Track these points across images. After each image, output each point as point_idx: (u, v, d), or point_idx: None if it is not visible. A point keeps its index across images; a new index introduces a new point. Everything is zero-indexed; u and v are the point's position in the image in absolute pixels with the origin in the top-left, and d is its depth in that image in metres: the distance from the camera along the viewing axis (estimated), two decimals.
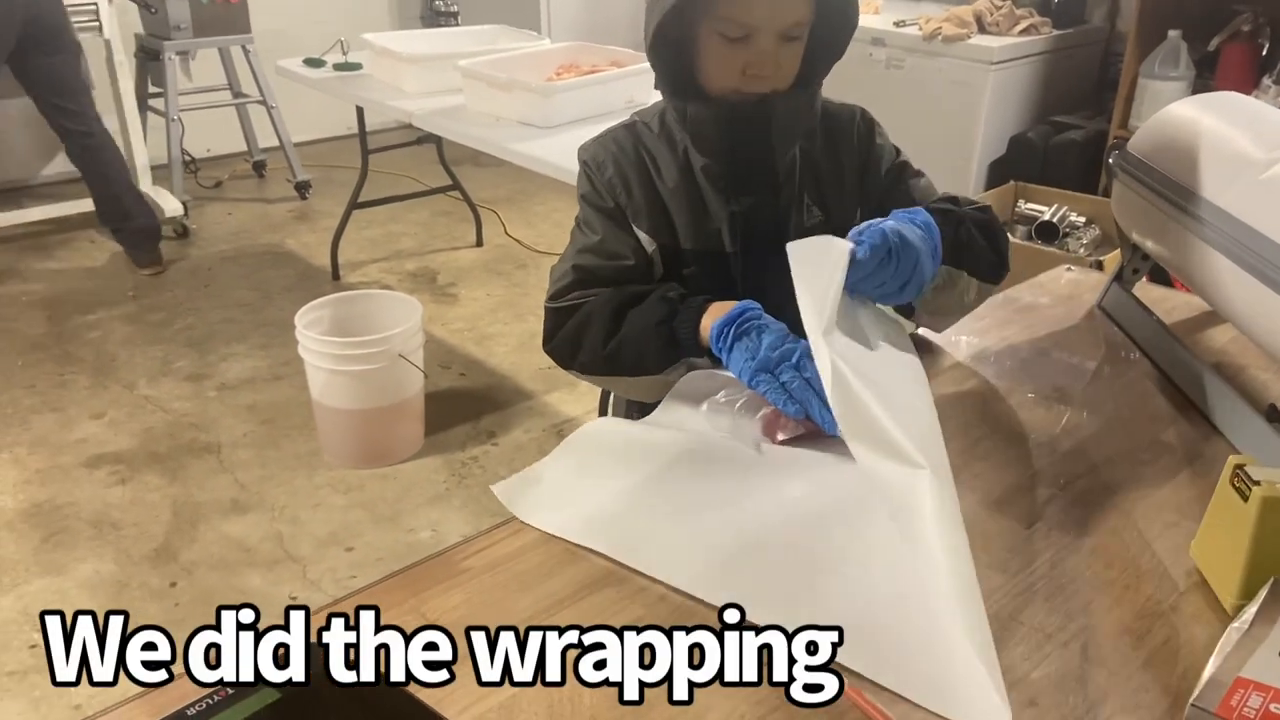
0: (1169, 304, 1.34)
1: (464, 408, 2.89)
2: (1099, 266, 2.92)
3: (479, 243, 4.03)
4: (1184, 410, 1.14)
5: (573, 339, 1.19)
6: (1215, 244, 1.02)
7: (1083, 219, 3.29)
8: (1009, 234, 3.32)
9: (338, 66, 3.31)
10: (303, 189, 4.47)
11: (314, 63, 3.36)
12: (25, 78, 3.44)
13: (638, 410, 1.28)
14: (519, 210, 4.30)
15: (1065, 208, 3.31)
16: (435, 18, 3.89)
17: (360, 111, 3.44)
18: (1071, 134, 3.67)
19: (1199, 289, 1.16)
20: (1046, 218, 3.26)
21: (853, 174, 1.25)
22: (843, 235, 1.21)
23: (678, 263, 1.24)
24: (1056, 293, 1.41)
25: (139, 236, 3.73)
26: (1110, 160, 1.25)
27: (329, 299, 2.67)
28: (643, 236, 1.23)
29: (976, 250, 1.15)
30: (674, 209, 1.23)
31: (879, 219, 1.06)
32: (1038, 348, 1.27)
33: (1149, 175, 1.16)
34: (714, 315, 1.09)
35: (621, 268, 1.22)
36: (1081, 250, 3.18)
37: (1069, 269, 1.46)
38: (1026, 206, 3.38)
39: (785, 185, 1.22)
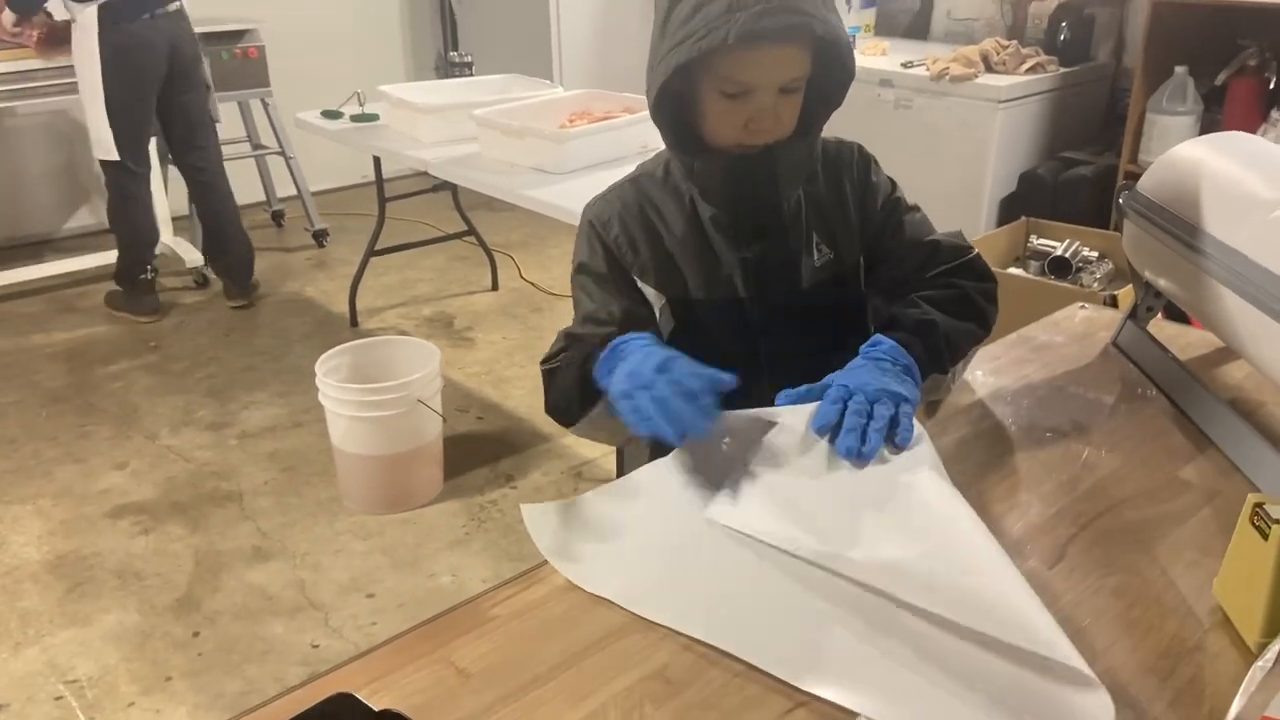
0: (1184, 340, 1.35)
1: (482, 451, 2.91)
2: (1113, 301, 2.92)
3: (494, 287, 4.06)
4: (1202, 447, 1.14)
5: (560, 400, 1.19)
6: (1226, 282, 1.03)
7: (1095, 253, 3.30)
8: (1023, 269, 3.35)
9: (355, 118, 3.37)
10: (321, 237, 4.53)
11: (332, 114, 3.42)
12: (161, 115, 3.62)
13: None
14: (534, 254, 4.35)
15: (1077, 243, 3.32)
16: (450, 68, 3.95)
17: (377, 161, 3.50)
18: (1081, 169, 3.69)
19: (1212, 326, 1.17)
20: (1059, 253, 3.26)
21: (855, 209, 1.27)
22: (852, 271, 1.26)
23: (690, 314, 1.25)
24: (1071, 331, 1.42)
25: (234, 271, 3.89)
26: (1120, 200, 1.27)
27: (348, 346, 2.70)
28: (650, 292, 1.24)
29: (959, 343, 1.16)
30: (683, 260, 1.24)
31: (840, 394, 1.02)
32: (1054, 386, 1.28)
33: (1159, 215, 1.18)
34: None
35: (608, 330, 1.19)
36: (1095, 285, 3.19)
37: (1083, 307, 1.47)
38: (1039, 242, 3.39)
39: (792, 228, 1.24)
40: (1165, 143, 3.59)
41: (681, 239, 1.24)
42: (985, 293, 1.22)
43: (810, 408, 1.02)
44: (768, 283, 1.24)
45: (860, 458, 0.97)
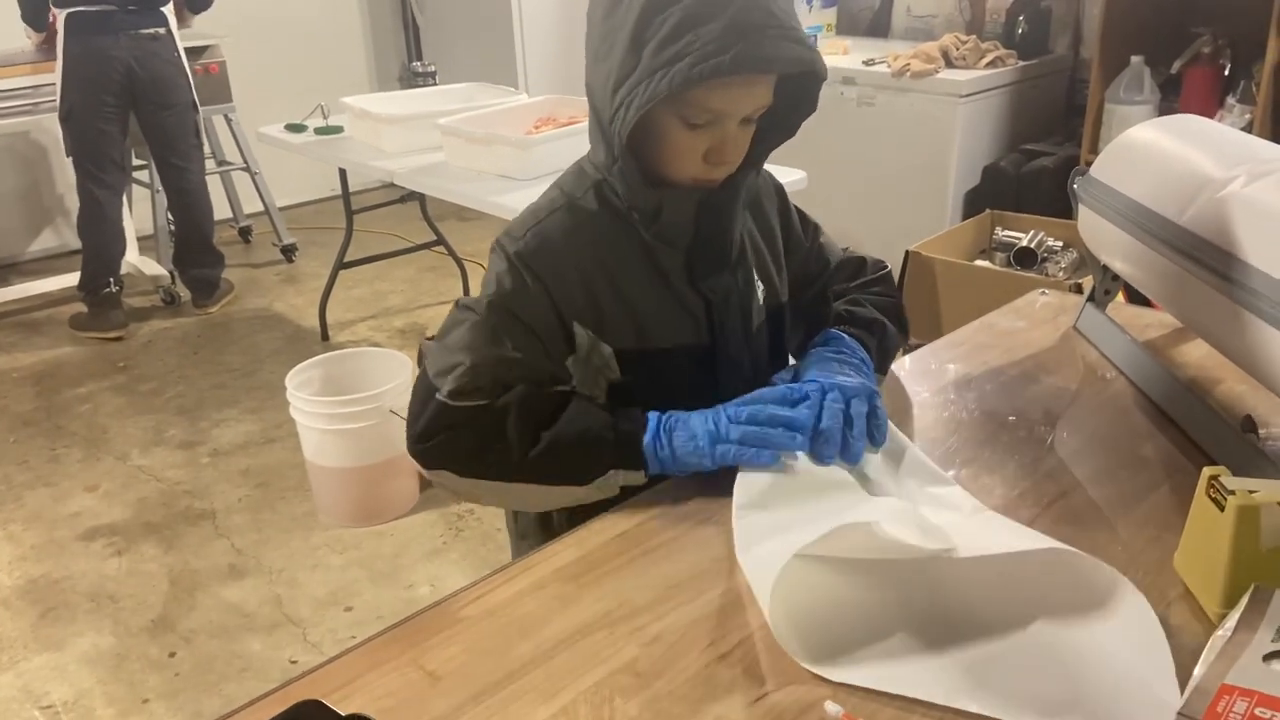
0: (1142, 322, 1.37)
1: None
2: (1078, 289, 2.95)
3: (466, 296, 4.05)
4: (1162, 426, 1.16)
5: (474, 440, 1.03)
6: (1180, 262, 1.04)
7: (1059, 243, 3.33)
8: (989, 260, 3.38)
9: (319, 130, 3.36)
10: (289, 252, 4.51)
11: (296, 128, 3.41)
12: (143, 131, 3.75)
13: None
14: None
15: (1042, 233, 3.35)
16: (413, 78, 3.95)
17: (343, 173, 3.49)
18: (1043, 161, 3.73)
19: (1168, 306, 1.19)
20: (1024, 244, 3.29)
21: (778, 239, 1.23)
22: (782, 303, 1.23)
23: (645, 364, 1.12)
24: (1033, 316, 1.44)
25: (200, 283, 3.99)
26: (1074, 185, 1.28)
27: (319, 359, 2.69)
28: (599, 344, 1.10)
29: (894, 348, 1.23)
30: (641, 305, 1.11)
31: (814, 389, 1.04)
32: (1017, 371, 1.29)
33: (1112, 198, 1.19)
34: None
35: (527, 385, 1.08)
36: (1060, 274, 3.22)
37: (1044, 293, 1.49)
38: (1003, 234, 3.42)
39: (740, 264, 1.16)
40: (1124, 132, 3.64)
41: (638, 282, 1.10)
42: (900, 306, 1.28)
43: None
44: (729, 325, 1.15)
45: (846, 459, 1.02)
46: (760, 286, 1.19)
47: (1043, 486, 1.05)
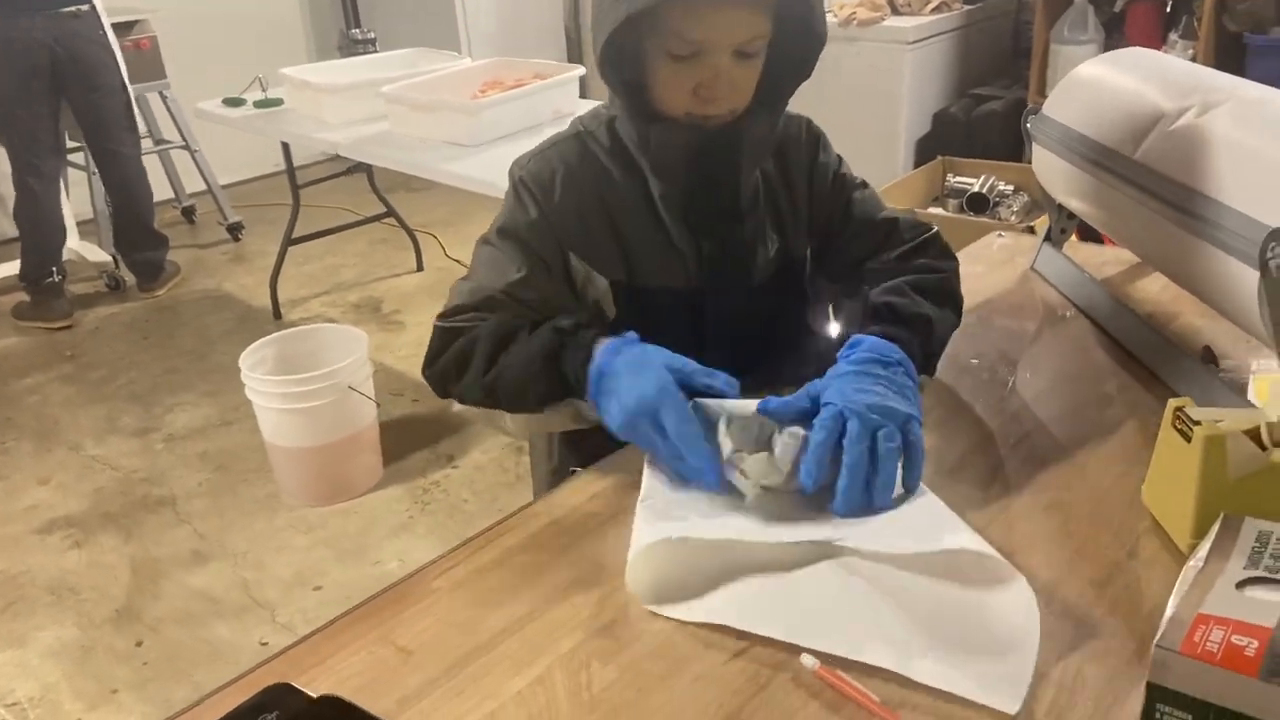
0: (1099, 259, 1.37)
1: (420, 434, 2.87)
2: (1031, 231, 2.98)
3: (420, 267, 4.00)
4: (1124, 362, 1.16)
5: (455, 363, 1.06)
6: (1136, 197, 1.04)
7: (1011, 187, 3.35)
8: (942, 207, 3.39)
9: (258, 104, 3.28)
10: (235, 231, 4.42)
11: (234, 102, 3.33)
12: (75, 115, 3.62)
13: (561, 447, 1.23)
14: (457, 231, 4.28)
15: (993, 178, 3.36)
16: (353, 46, 3.86)
17: (286, 147, 3.41)
18: (992, 105, 3.73)
19: (1124, 241, 1.19)
20: (976, 189, 3.31)
21: (802, 192, 1.16)
22: (800, 263, 1.17)
23: (634, 302, 1.12)
24: (990, 259, 1.43)
25: (144, 266, 3.90)
26: (1027, 125, 1.27)
27: (273, 338, 2.64)
28: (594, 275, 1.11)
29: (945, 338, 1.07)
30: (633, 240, 1.10)
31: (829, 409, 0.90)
32: (977, 315, 1.28)
33: (1065, 135, 1.19)
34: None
35: (528, 311, 1.07)
36: (1013, 217, 3.23)
37: (1000, 235, 1.49)
38: (955, 180, 3.43)
39: (750, 214, 1.12)
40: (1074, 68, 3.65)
41: (633, 216, 1.10)
42: (955, 274, 1.14)
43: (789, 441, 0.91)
44: (722, 275, 1.12)
45: (866, 511, 0.88)
46: (774, 239, 1.15)
47: (1008, 428, 1.06)
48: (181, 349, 3.51)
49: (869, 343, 0.97)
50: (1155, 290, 1.28)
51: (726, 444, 0.91)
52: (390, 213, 3.89)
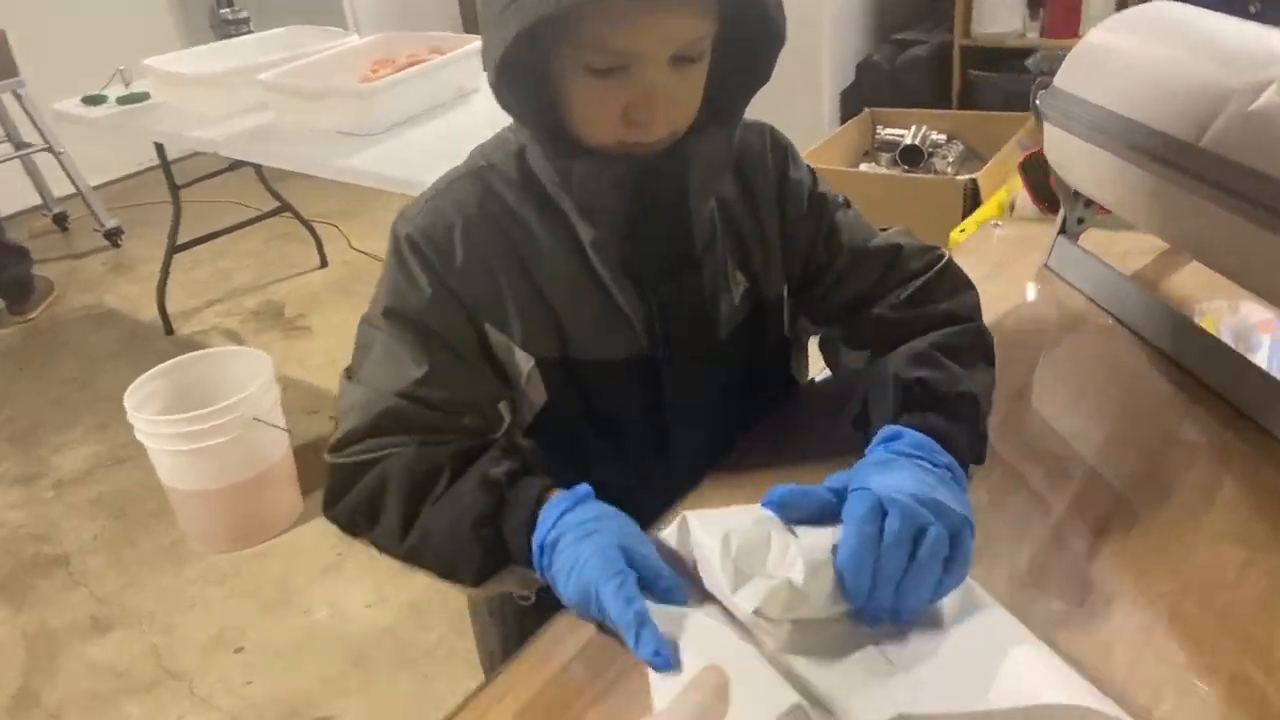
0: (1119, 249, 1.18)
1: None
2: (973, 187, 2.82)
3: (323, 264, 3.70)
4: (1186, 386, 0.95)
5: (364, 512, 0.83)
6: (1201, 192, 0.85)
7: (944, 136, 3.20)
8: (874, 162, 3.22)
9: (121, 100, 2.93)
10: (114, 236, 4.04)
11: (95, 100, 2.97)
12: None
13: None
14: (360, 221, 3.97)
15: (924, 127, 3.20)
16: (225, 27, 3.50)
17: (160, 146, 3.07)
18: (915, 50, 3.58)
19: (1173, 238, 1.01)
20: (909, 141, 3.14)
21: (772, 218, 0.94)
22: (774, 303, 0.95)
23: (571, 381, 0.90)
24: (991, 257, 1.24)
25: (9, 287, 3.54)
26: (1038, 102, 1.08)
27: (162, 369, 2.35)
28: (508, 349, 0.89)
29: (986, 415, 0.85)
30: (562, 304, 0.88)
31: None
32: (1000, 334, 1.07)
33: (1091, 116, 0.99)
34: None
35: (451, 422, 0.86)
36: (949, 169, 3.09)
37: (996, 225, 1.30)
38: (886, 132, 3.26)
39: (707, 254, 0.90)
40: (995, 13, 3.50)
41: (559, 274, 0.87)
42: (980, 314, 0.93)
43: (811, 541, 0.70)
44: (679, 334, 0.90)
45: (898, 618, 0.69)
46: (740, 281, 0.93)
47: (1082, 508, 0.84)
48: (63, 377, 3.17)
49: (909, 439, 0.77)
50: (1192, 286, 1.10)
51: (727, 577, 0.69)
52: (285, 207, 3.58)
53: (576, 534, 0.72)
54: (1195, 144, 0.86)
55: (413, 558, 0.82)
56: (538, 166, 0.85)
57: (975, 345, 0.89)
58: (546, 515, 0.75)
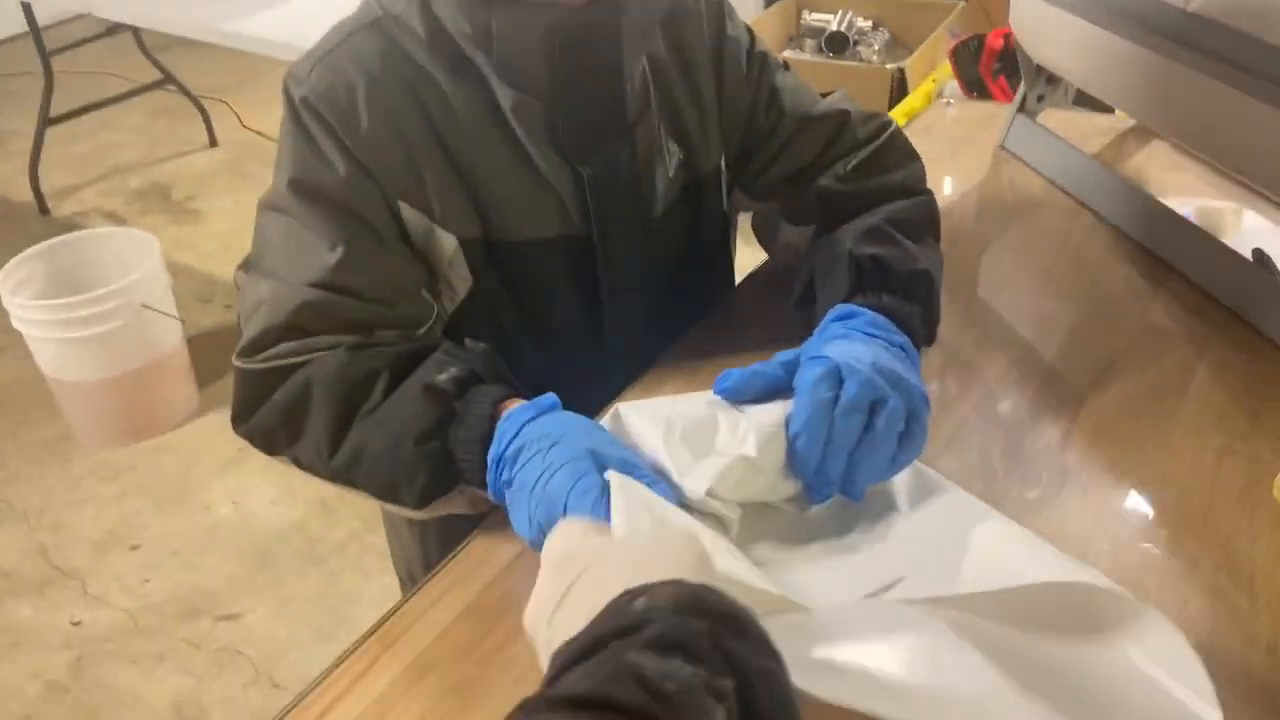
0: (1078, 130, 1.13)
1: None
2: (900, 75, 2.77)
3: (213, 143, 3.47)
4: (1157, 274, 0.92)
5: (283, 423, 0.74)
6: (1188, 59, 0.80)
7: (869, 23, 3.12)
8: (799, 49, 3.13)
9: None
10: None
11: None
12: None
13: None
14: (253, 96, 3.71)
15: (850, 13, 3.12)
16: None
17: (27, 7, 2.79)
18: None
19: (1157, 119, 0.95)
20: (835, 28, 3.06)
21: (707, 81, 0.86)
22: (711, 176, 0.87)
23: (496, 265, 0.81)
24: (946, 134, 1.18)
25: None
26: None
27: (39, 249, 2.17)
28: (436, 232, 0.78)
29: (938, 293, 0.80)
30: (483, 177, 0.78)
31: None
32: (946, 218, 1.02)
33: None
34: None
35: (379, 313, 0.76)
36: (875, 58, 3.02)
37: (948, 102, 1.24)
38: (811, 18, 3.17)
39: (640, 122, 0.81)
40: None
41: (477, 142, 0.78)
42: (925, 182, 0.88)
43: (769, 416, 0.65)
44: (613, 210, 0.82)
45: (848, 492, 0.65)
46: (674, 150, 0.84)
47: (1059, 391, 0.80)
48: None
49: (865, 318, 0.72)
50: (1156, 167, 1.06)
51: (674, 462, 0.63)
52: (169, 79, 3.32)
53: (541, 445, 0.63)
54: (1184, 8, 0.80)
55: (343, 477, 0.72)
56: (447, 16, 0.74)
57: (926, 219, 0.84)
58: (505, 427, 0.66)
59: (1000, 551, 0.61)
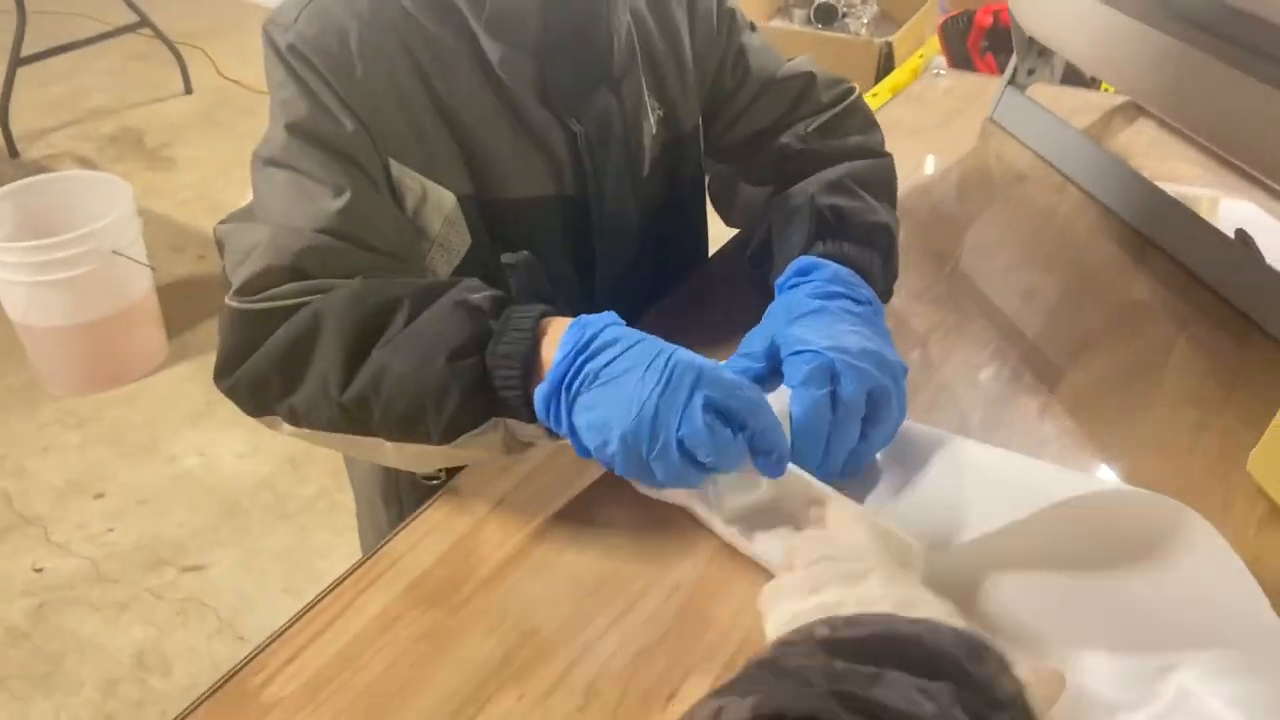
0: (1068, 106, 1.13)
1: (212, 297, 2.43)
2: (888, 50, 2.76)
3: (188, 89, 3.40)
4: (1140, 251, 0.92)
5: (280, 366, 0.66)
6: (1196, 42, 0.79)
7: None
8: (788, 19, 3.10)
9: None
10: None
11: None
12: None
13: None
14: (231, 44, 3.65)
15: None
16: None
17: None
18: None
19: (1149, 96, 0.95)
20: None
21: (683, 39, 0.84)
22: (690, 134, 0.86)
23: (486, 225, 0.78)
24: (937, 107, 1.17)
25: None
26: None
27: (8, 190, 2.12)
28: (431, 191, 0.74)
29: (896, 252, 0.81)
30: (473, 136, 0.75)
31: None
32: (932, 186, 1.02)
33: None
34: (554, 345, 0.61)
35: (376, 259, 0.71)
36: (864, 31, 3.00)
37: (939, 74, 1.23)
38: None
39: (627, 78, 0.80)
40: None
41: (467, 98, 0.74)
42: (884, 149, 0.89)
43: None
44: (606, 166, 0.80)
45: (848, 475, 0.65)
46: (656, 107, 0.83)
47: (1037, 366, 0.80)
48: None
49: (830, 271, 0.71)
50: (1143, 144, 1.06)
51: None
52: (145, 22, 3.24)
53: (639, 338, 0.59)
54: None
55: (355, 410, 0.63)
56: None
57: (885, 182, 0.85)
58: (577, 331, 0.60)
59: (1028, 481, 0.62)
